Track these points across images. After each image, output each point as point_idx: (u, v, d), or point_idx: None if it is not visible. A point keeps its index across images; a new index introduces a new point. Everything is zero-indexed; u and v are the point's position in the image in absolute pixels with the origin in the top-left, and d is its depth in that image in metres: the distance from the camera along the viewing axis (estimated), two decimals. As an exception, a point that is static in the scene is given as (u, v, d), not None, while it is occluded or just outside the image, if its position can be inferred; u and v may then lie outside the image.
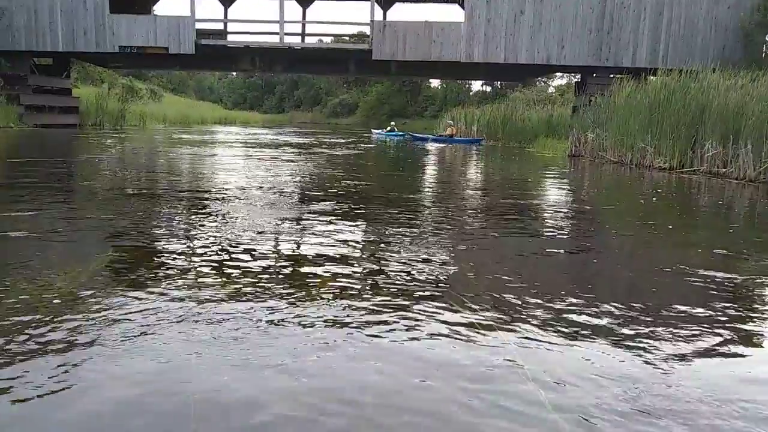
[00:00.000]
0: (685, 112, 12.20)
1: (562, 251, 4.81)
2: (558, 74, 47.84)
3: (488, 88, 57.03)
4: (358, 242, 4.79)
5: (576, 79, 26.38)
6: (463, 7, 22.44)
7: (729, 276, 3.95)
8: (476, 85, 59.24)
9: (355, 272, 3.78)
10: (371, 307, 3.06)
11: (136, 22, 23.14)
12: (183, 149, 16.13)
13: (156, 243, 4.45)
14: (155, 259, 3.98)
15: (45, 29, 22.84)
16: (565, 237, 5.52)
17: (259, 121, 68.24)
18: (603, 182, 11.37)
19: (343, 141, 24.80)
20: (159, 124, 36.52)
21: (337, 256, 4.17)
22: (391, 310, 3.02)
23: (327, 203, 6.69)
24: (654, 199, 8.60)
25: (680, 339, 2.78)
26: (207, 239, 4.54)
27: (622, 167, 13.67)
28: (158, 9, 29.60)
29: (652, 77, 18.45)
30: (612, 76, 21.43)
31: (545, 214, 6.90)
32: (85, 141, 18.06)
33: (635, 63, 21.45)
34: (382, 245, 4.57)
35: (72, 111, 26.76)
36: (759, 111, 10.51)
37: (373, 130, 34.93)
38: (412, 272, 3.78)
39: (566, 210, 7.46)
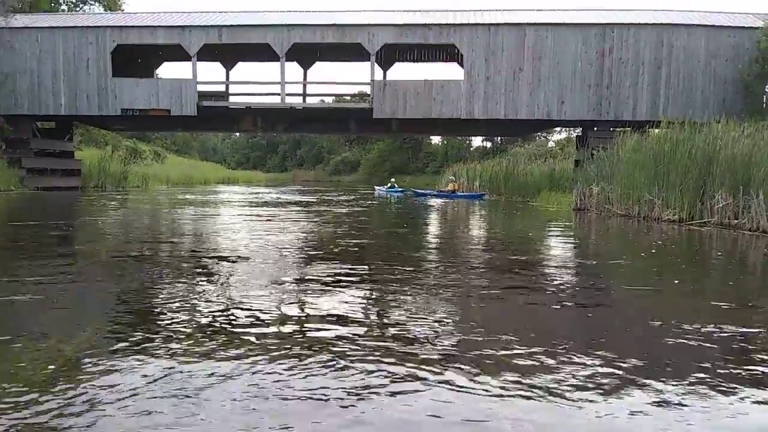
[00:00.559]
0: (691, 163, 12.04)
1: (568, 308, 4.68)
2: (557, 129, 48.42)
3: (488, 144, 57.48)
4: (361, 303, 4.66)
5: (577, 133, 26.43)
6: (462, 66, 22.68)
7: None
8: (477, 141, 59.81)
9: (356, 335, 3.70)
10: (379, 373, 2.99)
11: (138, 86, 23.42)
12: (184, 210, 15.97)
13: (156, 308, 4.39)
14: (154, 324, 3.93)
15: (47, 93, 23.11)
16: (571, 295, 5.30)
17: (262, 180, 68.68)
18: (610, 236, 11.11)
19: (345, 198, 24.69)
20: (162, 185, 36.54)
21: (341, 317, 4.11)
22: (388, 376, 2.94)
23: (330, 263, 6.56)
24: (667, 253, 8.33)
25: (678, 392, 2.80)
26: (206, 304, 4.46)
27: (630, 220, 13.43)
28: (161, 72, 29.92)
29: (653, 129, 18.48)
30: (613, 129, 21.63)
31: (552, 271, 6.64)
32: (86, 203, 17.94)
33: (636, 116, 21.54)
34: (385, 307, 4.47)
35: (74, 173, 26.83)
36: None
37: (375, 187, 35.02)
38: (415, 334, 3.72)
39: (573, 266, 7.23)
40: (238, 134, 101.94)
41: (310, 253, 7.64)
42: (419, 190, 29.94)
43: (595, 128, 22.29)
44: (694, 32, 21.43)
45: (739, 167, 11.04)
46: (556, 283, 5.76)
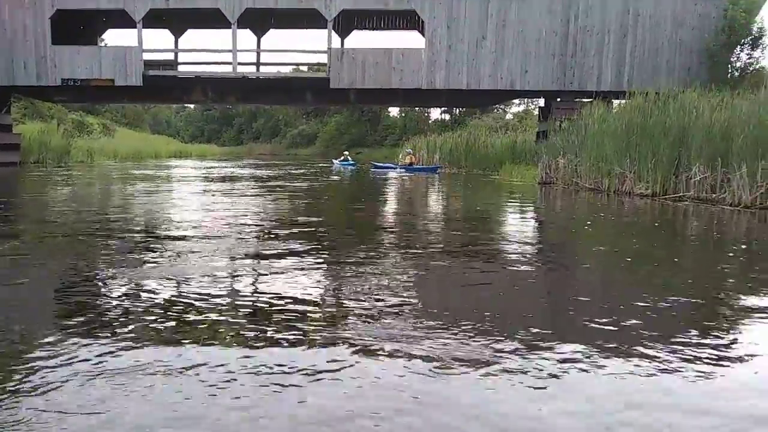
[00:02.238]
0: (665, 134, 11.45)
1: (521, 291, 4.51)
2: (516, 101, 48.01)
3: (447, 116, 56.74)
4: (318, 284, 4.51)
5: (539, 104, 25.80)
6: (423, 34, 21.79)
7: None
8: (435, 113, 58.92)
9: (313, 314, 3.65)
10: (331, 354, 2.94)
11: (79, 54, 21.94)
12: (127, 186, 14.89)
13: (105, 290, 4.22)
14: (105, 306, 3.79)
15: (-20, 62, 21.47)
16: (536, 275, 5.05)
17: (217, 153, 66.92)
18: (580, 212, 10.47)
19: (302, 172, 23.75)
20: (109, 160, 34.92)
21: (293, 298, 4.00)
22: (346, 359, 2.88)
23: (284, 242, 6.27)
24: (640, 231, 7.71)
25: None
26: (154, 285, 4.28)
27: (599, 194, 12.86)
28: (106, 40, 28.32)
29: (616, 100, 17.99)
30: (577, 99, 21.07)
31: (511, 251, 6.20)
32: (24, 179, 16.66)
33: (600, 86, 20.96)
34: (341, 294, 4.21)
35: (13, 148, 25.15)
36: (750, 131, 9.76)
37: (333, 161, 34.22)
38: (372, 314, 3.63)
39: (535, 246, 6.78)
40: (192, 107, 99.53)
41: (261, 231, 7.05)
42: (377, 164, 29.38)
43: (558, 99, 21.70)
44: (661, 1, 20.89)
45: (717, 138, 10.47)
46: (513, 265, 5.38)
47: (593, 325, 3.45)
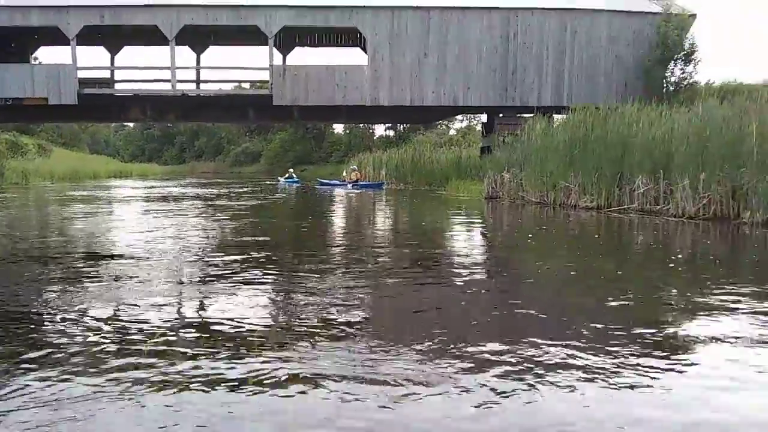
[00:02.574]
0: (606, 147, 11.60)
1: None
2: (459, 117, 48.55)
3: (391, 132, 56.94)
4: (260, 305, 4.39)
5: (482, 120, 26.01)
6: (366, 51, 21.75)
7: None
8: (380, 130, 59.10)
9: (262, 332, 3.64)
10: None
11: (9, 71, 21.09)
12: (62, 207, 14.27)
13: (43, 318, 3.98)
14: (44, 337, 3.57)
15: None
16: (482, 288, 5.05)
17: (158, 173, 65.47)
18: (527, 226, 10.49)
19: (246, 190, 23.32)
20: (45, 181, 33.69)
21: (243, 318, 3.93)
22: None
23: (227, 263, 6.07)
24: (585, 243, 7.70)
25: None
26: (99, 308, 4.18)
27: (545, 208, 12.93)
28: (38, 57, 27.38)
29: (557, 115, 18.26)
30: (519, 115, 21.34)
31: (456, 266, 6.15)
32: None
33: (541, 102, 21.27)
34: (290, 310, 4.18)
35: (-62, 171, 24.03)
36: (687, 145, 9.94)
37: (279, 178, 33.99)
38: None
39: (485, 259, 6.74)
40: (132, 125, 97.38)
41: (209, 254, 6.75)
42: (324, 180, 29.41)
43: (501, 114, 21.95)
44: (597, 17, 21.41)
45: (657, 151, 10.63)
46: (460, 279, 5.30)
47: (539, 340, 3.40)
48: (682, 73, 21.42)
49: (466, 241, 8.55)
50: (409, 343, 3.32)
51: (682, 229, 9.03)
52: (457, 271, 5.77)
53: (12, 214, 12.93)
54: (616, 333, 3.58)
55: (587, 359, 3.09)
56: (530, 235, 8.93)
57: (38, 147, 47.02)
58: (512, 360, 3.08)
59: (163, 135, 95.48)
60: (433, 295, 4.70)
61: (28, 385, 2.74)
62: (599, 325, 3.72)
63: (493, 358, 3.11)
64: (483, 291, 5.00)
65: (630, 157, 11.21)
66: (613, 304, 4.34)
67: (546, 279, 5.51)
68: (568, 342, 3.37)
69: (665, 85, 21.32)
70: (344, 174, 29.27)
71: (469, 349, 3.25)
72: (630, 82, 21.35)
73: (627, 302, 4.48)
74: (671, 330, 3.77)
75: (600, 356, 3.14)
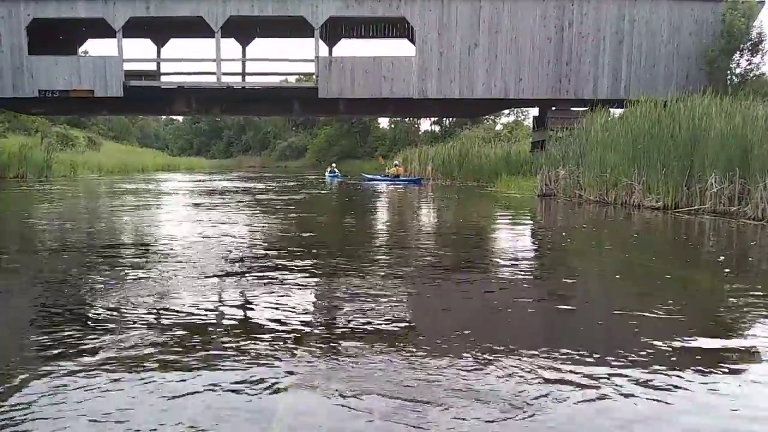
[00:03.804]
0: (675, 142, 10.70)
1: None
2: (506, 111, 47.55)
3: (437, 128, 56.17)
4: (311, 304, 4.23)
5: (534, 114, 25.09)
6: (413, 42, 21.10)
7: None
8: (425, 125, 58.33)
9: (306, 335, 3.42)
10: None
11: (57, 64, 21.11)
12: (109, 200, 14.04)
13: (87, 311, 3.89)
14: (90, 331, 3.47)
15: (-45, 73, 20.59)
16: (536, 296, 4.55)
17: (206, 166, 66.00)
18: (589, 228, 9.69)
19: (290, 185, 22.94)
20: (93, 174, 33.97)
21: (280, 321, 3.72)
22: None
23: (271, 259, 5.92)
24: (656, 250, 6.92)
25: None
26: (145, 304, 4.04)
27: (605, 207, 12.08)
28: (88, 50, 27.48)
29: (614, 109, 17.36)
30: (573, 108, 20.44)
31: (519, 270, 5.50)
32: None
33: (597, 94, 20.31)
34: (336, 317, 3.86)
35: (-11, 163, 24.25)
36: (771, 139, 9.01)
37: (326, 174, 33.91)
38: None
39: (545, 265, 6.01)
40: (181, 119, 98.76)
41: (253, 249, 6.58)
42: (368, 175, 29.43)
43: (554, 107, 21.04)
44: (657, 5, 20.29)
45: (733, 147, 9.71)
46: (513, 285, 4.91)
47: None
48: (749, 64, 20.21)
49: (522, 243, 7.86)
50: (452, 352, 3.09)
51: (762, 233, 8.15)
52: (514, 275, 5.23)
53: (55, 207, 12.69)
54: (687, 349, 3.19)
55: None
56: (597, 240, 8.17)
57: (88, 140, 47.75)
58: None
59: (211, 129, 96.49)
60: (491, 303, 4.28)
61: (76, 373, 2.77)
62: (666, 343, 3.27)
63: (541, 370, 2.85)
64: (538, 299, 4.43)
65: (701, 154, 10.30)
66: (682, 318, 3.84)
67: (612, 288, 4.82)
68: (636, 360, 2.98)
69: (730, 77, 20.12)
70: (393, 167, 28.95)
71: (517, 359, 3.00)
72: (692, 73, 20.20)
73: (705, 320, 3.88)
74: (743, 346, 3.33)
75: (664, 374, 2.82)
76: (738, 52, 20.00)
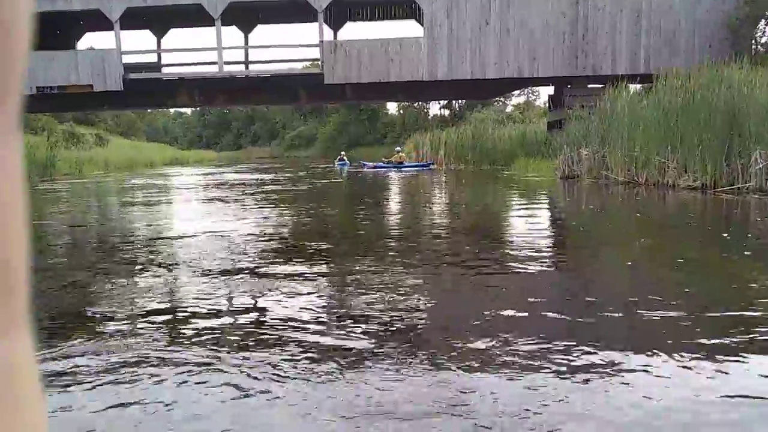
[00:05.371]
0: (712, 115, 9.82)
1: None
2: (515, 92, 46.65)
3: (446, 111, 55.25)
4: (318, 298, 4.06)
5: (549, 93, 24.14)
6: (421, 23, 20.24)
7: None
8: (434, 109, 57.47)
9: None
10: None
11: (54, 59, 20.47)
12: (116, 197, 13.40)
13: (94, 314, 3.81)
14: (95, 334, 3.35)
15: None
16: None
17: (214, 159, 65.52)
18: (624, 212, 8.87)
19: (300, 175, 22.21)
20: (99, 171, 33.42)
21: (293, 318, 3.56)
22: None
23: (282, 253, 5.78)
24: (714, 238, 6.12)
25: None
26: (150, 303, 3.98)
27: (636, 188, 11.22)
28: (83, 44, 26.82)
29: (632, 85, 16.52)
30: (590, 85, 19.52)
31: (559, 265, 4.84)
32: None
33: (615, 69, 19.34)
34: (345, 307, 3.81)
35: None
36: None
37: (335, 162, 33.26)
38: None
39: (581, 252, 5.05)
40: (189, 112, 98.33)
41: (257, 242, 6.34)
42: (366, 162, 28.70)
43: (569, 85, 20.13)
44: (676, -27, 19.27)
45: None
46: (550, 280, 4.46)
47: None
48: (775, 31, 19.22)
49: (557, 233, 7.07)
50: (469, 350, 2.91)
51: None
52: (545, 271, 4.56)
53: (59, 206, 12.03)
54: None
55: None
56: (634, 230, 7.37)
57: (96, 137, 47.30)
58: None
59: (219, 121, 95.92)
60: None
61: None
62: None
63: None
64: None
65: (742, 127, 9.43)
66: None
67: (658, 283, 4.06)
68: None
69: (755, 46, 19.12)
70: (395, 155, 28.12)
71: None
72: (714, 44, 19.16)
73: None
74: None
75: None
76: (763, 20, 19.00)
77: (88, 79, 20.33)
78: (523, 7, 19.46)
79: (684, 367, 2.63)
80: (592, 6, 19.43)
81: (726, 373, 2.57)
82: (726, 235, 6.22)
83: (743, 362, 2.69)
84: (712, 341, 2.94)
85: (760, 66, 13.50)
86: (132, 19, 20.78)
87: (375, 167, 26.15)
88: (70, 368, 2.78)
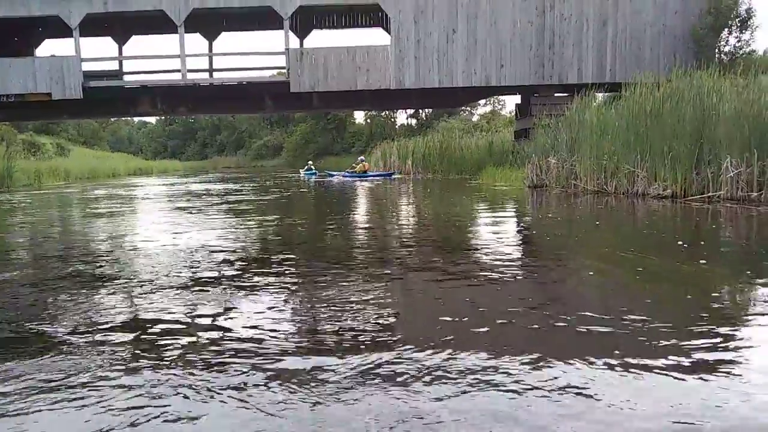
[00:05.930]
0: (681, 124, 9.78)
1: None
2: (481, 102, 46.96)
3: (414, 121, 55.31)
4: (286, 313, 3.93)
5: (516, 102, 24.12)
6: (388, 31, 20.08)
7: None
8: (401, 118, 57.51)
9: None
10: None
11: (11, 67, 19.84)
12: (70, 211, 12.88)
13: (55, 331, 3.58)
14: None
15: None
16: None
17: (180, 169, 64.64)
18: (595, 222, 8.74)
19: (265, 184, 21.83)
20: (60, 181, 32.57)
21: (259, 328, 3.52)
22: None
23: (249, 266, 5.56)
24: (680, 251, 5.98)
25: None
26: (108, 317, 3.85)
27: (606, 197, 11.14)
28: (43, 51, 26.08)
29: (599, 93, 16.61)
30: (557, 94, 19.57)
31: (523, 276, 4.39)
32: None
33: (582, 78, 19.44)
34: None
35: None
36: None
37: (300, 171, 33.11)
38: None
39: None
40: (153, 121, 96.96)
41: (219, 258, 5.91)
42: (332, 172, 29.39)
43: (536, 94, 20.14)
44: (642, -17, 19.43)
45: (748, 126, 8.81)
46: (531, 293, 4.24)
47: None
48: (738, 41, 19.42)
49: (523, 244, 6.88)
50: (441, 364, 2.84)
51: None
52: (509, 282, 4.39)
53: (11, 219, 11.51)
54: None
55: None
56: (615, 238, 7.22)
57: (57, 146, 46.30)
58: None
59: (184, 131, 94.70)
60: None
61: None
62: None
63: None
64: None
65: (711, 135, 9.38)
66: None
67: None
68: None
69: (718, 55, 19.33)
70: (359, 164, 28.04)
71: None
72: (679, 53, 19.33)
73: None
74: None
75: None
76: (726, 30, 19.23)
77: (46, 87, 19.72)
78: (490, 16, 19.43)
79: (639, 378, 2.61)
80: (558, 16, 19.49)
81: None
82: (683, 243, 6.10)
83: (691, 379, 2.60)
84: (668, 352, 2.90)
85: (728, 73, 13.57)
86: (92, 26, 20.25)
87: (342, 176, 26.07)
88: (17, 390, 2.68)
